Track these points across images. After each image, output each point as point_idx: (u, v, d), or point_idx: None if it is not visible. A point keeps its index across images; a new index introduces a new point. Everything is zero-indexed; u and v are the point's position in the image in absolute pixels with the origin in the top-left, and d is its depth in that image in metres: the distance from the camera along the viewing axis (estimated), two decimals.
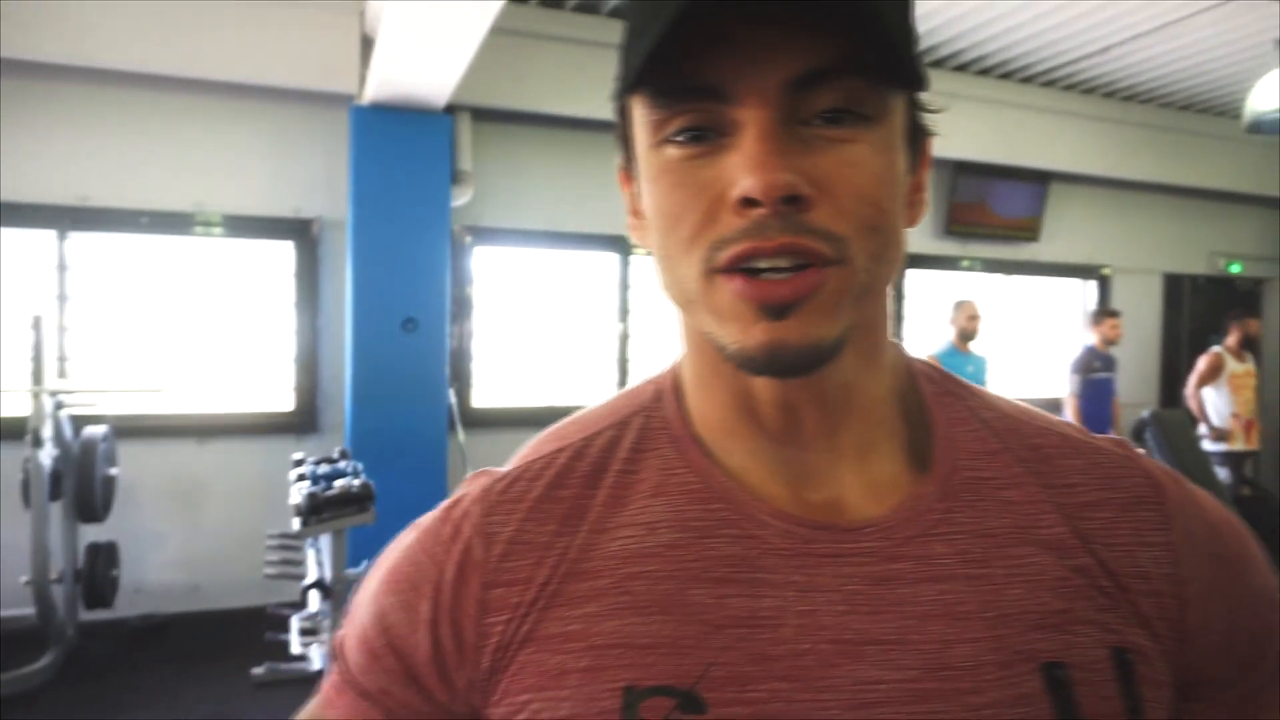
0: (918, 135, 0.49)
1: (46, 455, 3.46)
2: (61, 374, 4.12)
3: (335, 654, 0.54)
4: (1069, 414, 5.11)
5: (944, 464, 0.51)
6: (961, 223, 5.97)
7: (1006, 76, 5.63)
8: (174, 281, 4.41)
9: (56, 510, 3.62)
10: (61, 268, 4.17)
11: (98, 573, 3.68)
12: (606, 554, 0.49)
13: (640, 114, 0.47)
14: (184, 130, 4.27)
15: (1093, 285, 6.76)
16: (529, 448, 0.56)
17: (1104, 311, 5.42)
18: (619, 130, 0.51)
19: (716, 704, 0.44)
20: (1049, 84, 5.78)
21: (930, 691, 0.44)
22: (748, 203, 0.42)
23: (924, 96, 0.49)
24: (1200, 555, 0.50)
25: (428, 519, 0.54)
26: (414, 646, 0.50)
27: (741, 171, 0.42)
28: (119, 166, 4.17)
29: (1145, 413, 4.01)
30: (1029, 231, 6.23)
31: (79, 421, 3.83)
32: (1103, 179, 6.30)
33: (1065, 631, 0.46)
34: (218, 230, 4.37)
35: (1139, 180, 6.34)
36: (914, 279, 6.08)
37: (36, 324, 3.57)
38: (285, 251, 4.52)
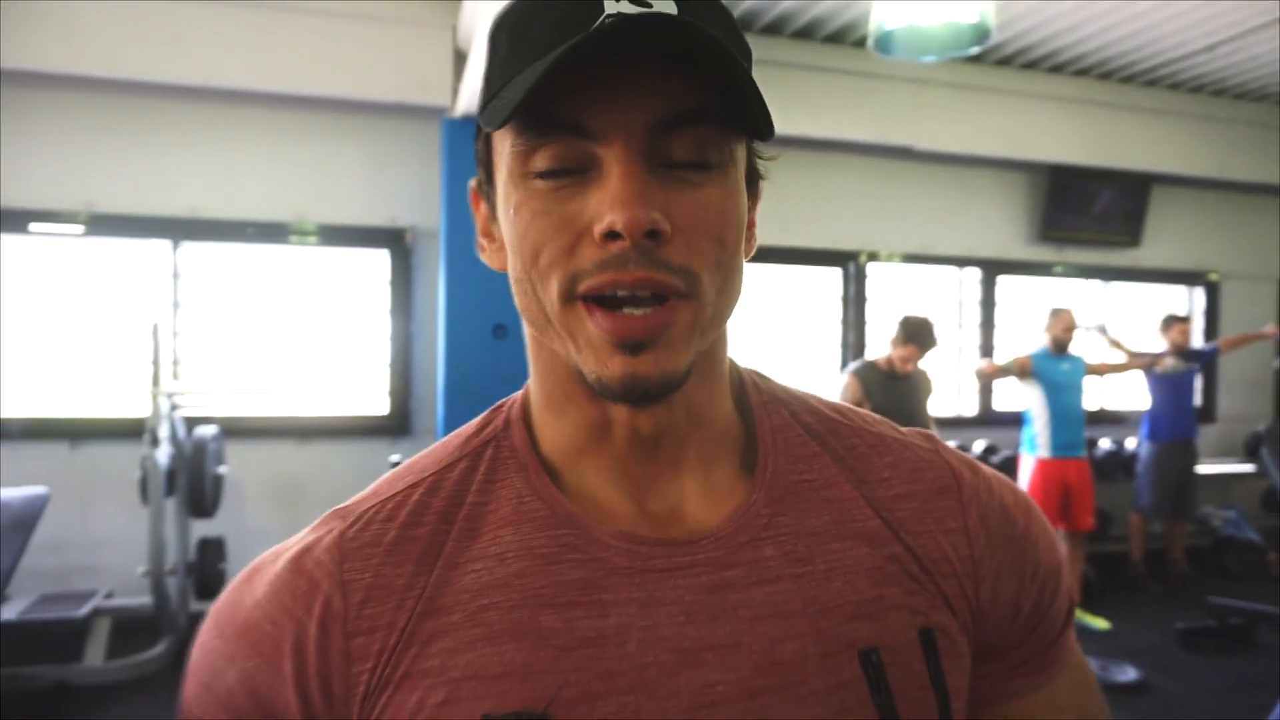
0: (754, 178, 0.54)
1: (163, 454, 3.66)
2: (175, 377, 4.35)
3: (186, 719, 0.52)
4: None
5: (768, 469, 0.55)
6: (1057, 227, 5.78)
7: (1106, 76, 5.44)
8: (277, 289, 4.62)
9: (170, 506, 3.83)
10: (175, 276, 4.41)
11: (208, 565, 3.88)
12: (460, 589, 0.50)
13: (505, 144, 0.49)
14: (286, 144, 4.48)
15: (1200, 292, 6.45)
16: (384, 483, 0.56)
17: (1172, 318, 5.19)
18: (478, 154, 0.53)
19: None
20: (1151, 83, 5.55)
21: (762, 688, 0.48)
22: (611, 236, 0.45)
23: (760, 144, 0.53)
24: (993, 537, 0.56)
25: (276, 569, 0.52)
26: (284, 705, 0.49)
27: (606, 207, 0.45)
28: (227, 180, 4.40)
29: (1261, 427, 3.80)
30: (1129, 236, 5.99)
31: (191, 422, 4.04)
32: (1210, 180, 6.01)
33: (878, 619, 0.52)
34: (317, 239, 4.56)
35: (1249, 181, 6.02)
36: (1006, 285, 5.91)
37: (154, 330, 3.78)
38: (381, 260, 4.68)
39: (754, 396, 0.59)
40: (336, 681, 0.49)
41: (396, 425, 4.69)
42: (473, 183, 0.56)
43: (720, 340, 0.55)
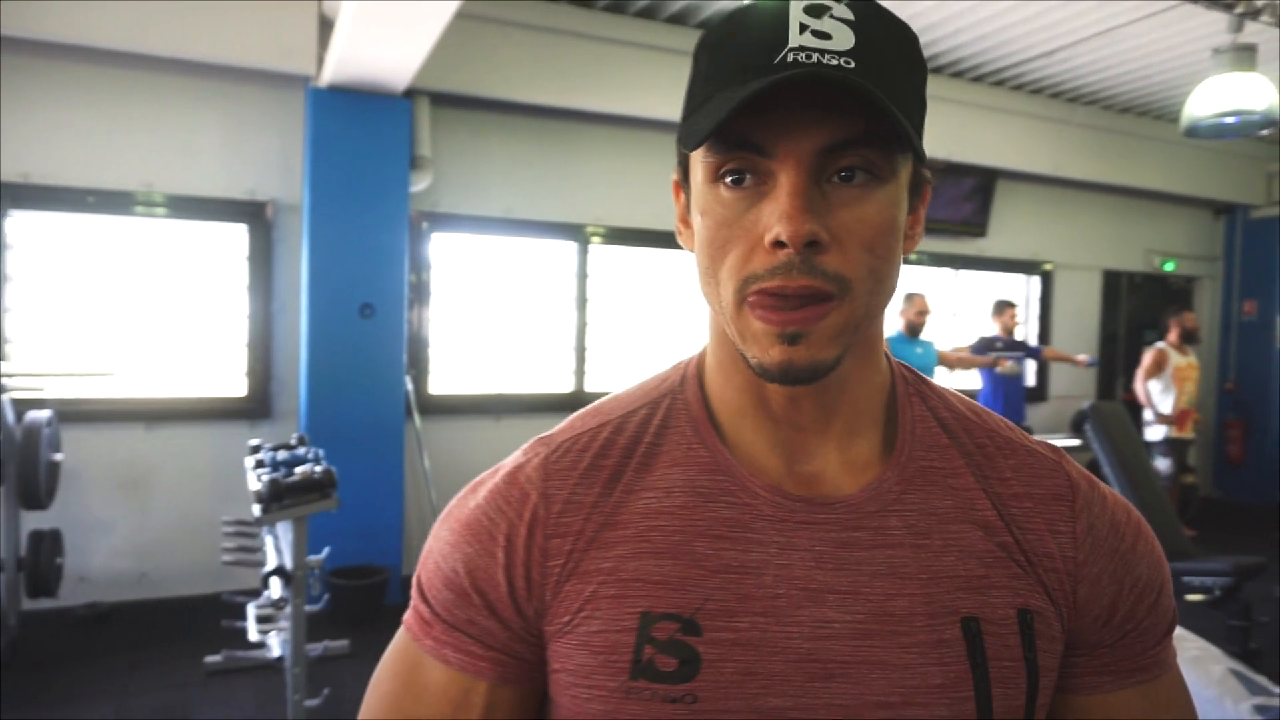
0: (919, 183, 0.62)
1: None
2: (2, 357, 3.99)
3: (416, 594, 0.65)
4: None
5: (904, 453, 0.64)
6: None
7: (958, 75, 5.77)
8: (122, 263, 4.30)
9: None
10: (1, 247, 4.03)
11: (41, 561, 3.59)
12: (633, 510, 0.61)
13: (700, 155, 0.58)
14: (132, 107, 4.16)
15: (1036, 281, 6.98)
16: (578, 419, 0.67)
17: (1003, 303, 5.69)
18: (680, 157, 0.63)
19: (710, 629, 0.57)
20: (998, 84, 5.93)
21: (872, 631, 0.58)
22: (779, 244, 0.54)
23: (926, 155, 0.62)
24: (1098, 545, 0.63)
25: (494, 482, 0.65)
26: (494, 586, 0.61)
27: (775, 219, 0.53)
28: (63, 143, 4.05)
29: (1085, 404, 4.15)
30: (977, 227, 6.40)
31: (21, 406, 3.72)
32: (1047, 177, 6.50)
33: (982, 594, 0.60)
34: (167, 211, 4.27)
35: (1081, 179, 6.55)
36: None
37: None
38: (238, 234, 4.44)
39: (902, 388, 0.67)
40: (535, 570, 0.61)
41: (255, 407, 4.47)
42: (674, 176, 0.65)
43: (876, 333, 0.64)
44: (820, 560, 0.59)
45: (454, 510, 0.66)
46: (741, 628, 0.57)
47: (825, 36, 0.54)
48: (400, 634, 0.65)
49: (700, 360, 0.68)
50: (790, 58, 0.53)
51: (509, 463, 0.66)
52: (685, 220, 0.65)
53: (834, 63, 0.53)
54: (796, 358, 0.55)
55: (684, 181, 0.63)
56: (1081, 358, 6.02)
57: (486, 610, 0.61)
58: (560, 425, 0.68)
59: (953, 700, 0.57)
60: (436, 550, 0.64)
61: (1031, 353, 5.86)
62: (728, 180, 0.56)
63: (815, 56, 0.53)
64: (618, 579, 0.59)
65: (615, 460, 0.63)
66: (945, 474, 0.63)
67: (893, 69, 0.56)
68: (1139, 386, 5.84)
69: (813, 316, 0.55)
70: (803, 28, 0.54)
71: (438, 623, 0.62)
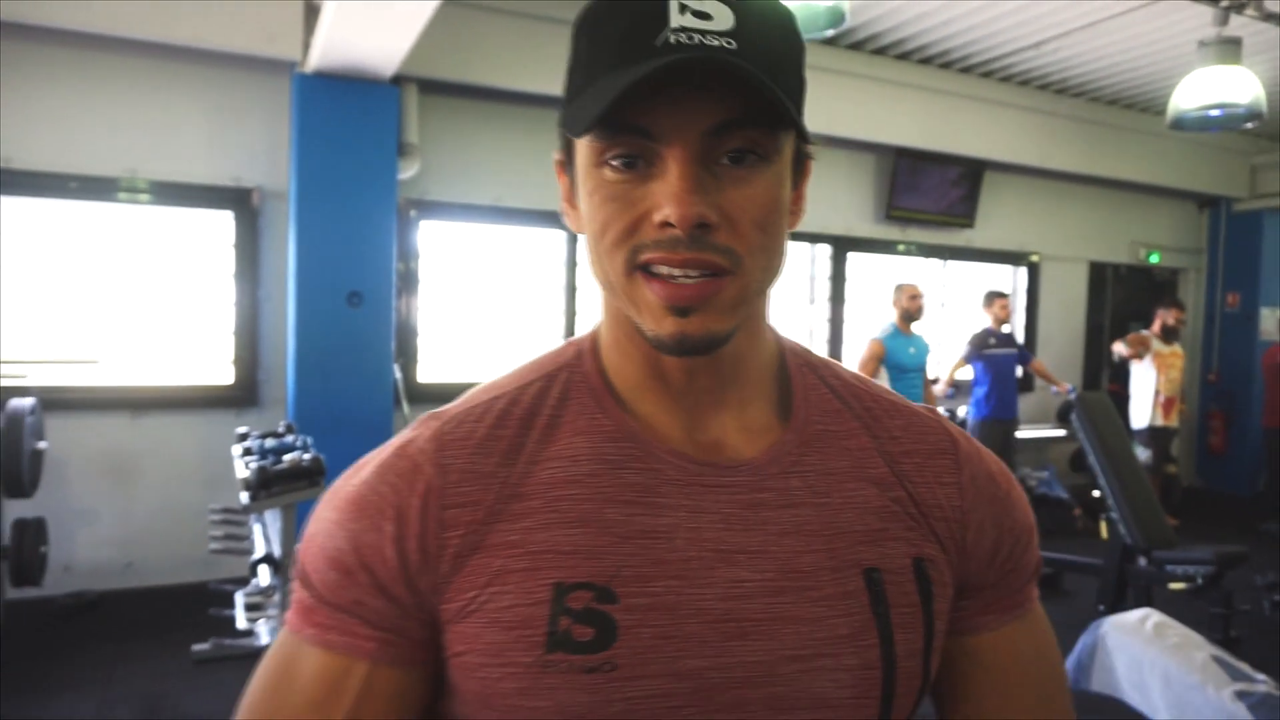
0: (801, 158, 0.62)
1: None
2: None
3: (298, 582, 0.60)
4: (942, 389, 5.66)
5: (800, 418, 0.66)
6: (901, 207, 6.12)
7: (947, 66, 5.78)
8: (107, 249, 4.26)
9: None
10: None
11: (25, 550, 3.56)
12: (538, 481, 0.59)
13: (585, 139, 0.57)
14: (116, 93, 4.11)
15: (1023, 272, 7.01)
16: (469, 396, 0.65)
17: (994, 294, 5.68)
18: (562, 137, 0.61)
19: (625, 596, 0.56)
20: (986, 75, 5.94)
21: (782, 588, 0.59)
22: (667, 224, 0.54)
23: (808, 130, 0.61)
24: (980, 494, 0.67)
25: (382, 457, 0.61)
26: (383, 561, 0.57)
27: (665, 200, 0.54)
28: (45, 128, 4.00)
29: (1071, 395, 4.18)
30: (964, 218, 6.42)
31: (4, 394, 3.69)
32: (1034, 169, 6.52)
33: (881, 546, 0.62)
34: (152, 197, 4.22)
35: (1067, 171, 6.58)
36: (855, 262, 6.22)
37: None
38: (224, 221, 4.40)
39: (791, 360, 0.69)
40: (431, 542, 0.57)
41: (243, 396, 4.44)
42: (557, 156, 0.64)
43: (763, 308, 0.65)
44: (729, 522, 0.60)
45: (338, 489, 0.62)
46: (656, 592, 0.57)
47: (705, 17, 0.53)
48: (279, 635, 0.61)
49: (594, 338, 0.67)
50: (672, 39, 0.53)
51: (396, 439, 0.63)
52: (571, 201, 0.64)
53: (716, 44, 0.53)
54: (690, 329, 0.56)
55: (568, 162, 0.62)
56: (1064, 385, 5.98)
57: (374, 589, 0.57)
58: (452, 403, 0.66)
59: (859, 648, 0.59)
60: (321, 532, 0.60)
61: (1023, 356, 5.84)
62: (614, 163, 0.56)
63: (697, 38, 0.53)
64: (527, 551, 0.57)
65: (513, 431, 0.61)
66: (840, 436, 0.66)
67: (773, 47, 0.56)
68: (1115, 346, 5.94)
69: (708, 291, 0.55)
70: (683, 8, 0.53)
71: (321, 607, 0.58)
